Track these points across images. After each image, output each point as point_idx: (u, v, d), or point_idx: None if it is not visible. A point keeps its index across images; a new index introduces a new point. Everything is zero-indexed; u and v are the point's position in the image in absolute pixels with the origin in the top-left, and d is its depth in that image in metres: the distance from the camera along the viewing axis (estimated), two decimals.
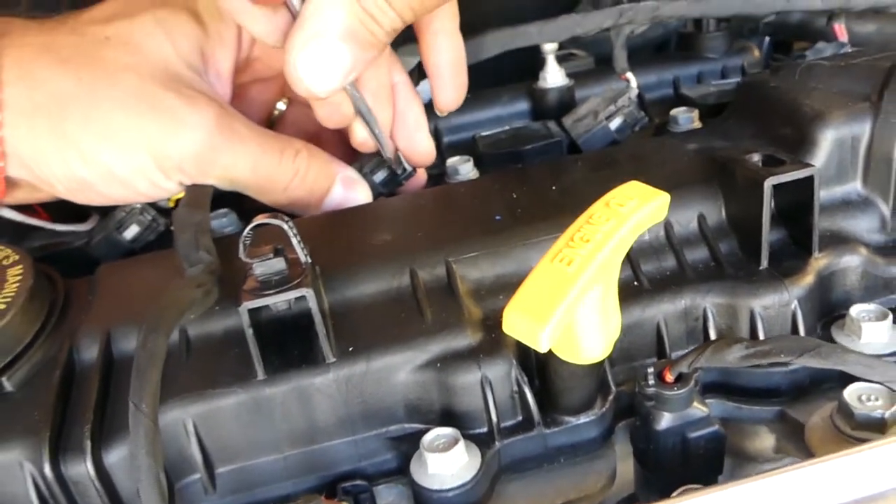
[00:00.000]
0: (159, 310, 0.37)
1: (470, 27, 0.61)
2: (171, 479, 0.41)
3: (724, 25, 0.72)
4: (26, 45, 0.49)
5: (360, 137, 0.55)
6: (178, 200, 0.54)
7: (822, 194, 0.46)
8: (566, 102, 0.67)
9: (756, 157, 0.46)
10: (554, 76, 0.67)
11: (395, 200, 0.56)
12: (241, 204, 0.58)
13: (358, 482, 0.42)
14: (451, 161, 0.61)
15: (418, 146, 0.57)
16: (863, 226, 0.48)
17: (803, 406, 0.43)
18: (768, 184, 0.43)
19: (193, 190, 0.50)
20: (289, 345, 0.42)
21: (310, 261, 0.41)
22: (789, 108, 0.51)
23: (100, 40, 0.50)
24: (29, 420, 0.40)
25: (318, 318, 0.40)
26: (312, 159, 0.54)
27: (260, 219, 0.40)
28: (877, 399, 0.39)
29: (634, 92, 0.64)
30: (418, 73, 0.63)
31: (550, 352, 0.36)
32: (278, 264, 0.40)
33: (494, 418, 0.41)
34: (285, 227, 0.40)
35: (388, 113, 0.55)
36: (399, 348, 0.42)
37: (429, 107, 0.60)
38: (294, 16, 0.45)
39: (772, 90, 0.53)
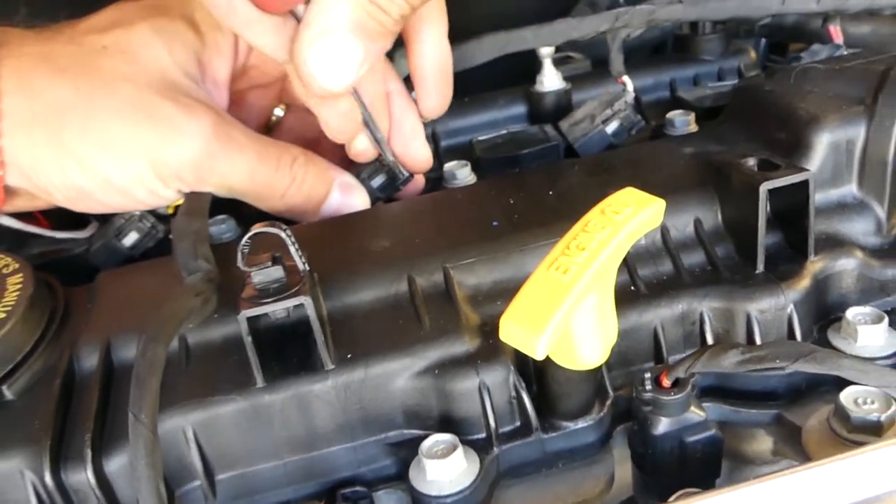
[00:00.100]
0: (158, 319, 0.37)
1: (466, 31, 0.61)
2: (171, 487, 0.41)
3: (720, 28, 0.72)
4: (24, 55, 0.49)
5: (360, 147, 0.55)
6: (176, 207, 0.54)
7: (818, 197, 0.47)
8: (563, 106, 0.68)
9: (751, 162, 0.46)
10: (551, 80, 0.68)
11: (392, 206, 0.56)
12: (239, 210, 0.58)
13: (357, 488, 0.42)
14: (449, 166, 0.61)
15: (415, 153, 0.57)
16: (858, 229, 0.48)
17: (800, 409, 0.43)
18: (764, 188, 0.43)
19: (191, 198, 0.50)
20: (287, 352, 0.42)
21: (308, 268, 0.41)
22: (784, 112, 0.51)
23: (97, 49, 0.50)
24: (29, 428, 0.40)
25: (316, 326, 0.40)
26: (310, 166, 0.54)
27: (258, 227, 0.40)
28: (873, 402, 0.39)
29: (631, 95, 0.64)
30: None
31: (548, 358, 0.36)
32: (276, 272, 0.40)
33: (493, 424, 0.41)
34: (283, 235, 0.40)
35: (385, 121, 0.55)
36: (397, 355, 0.42)
37: None
38: (299, 20, 0.45)
39: (767, 94, 0.54)
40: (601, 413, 0.42)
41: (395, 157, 0.57)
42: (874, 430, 0.38)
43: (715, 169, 0.48)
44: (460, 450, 0.39)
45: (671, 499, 0.36)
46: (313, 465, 0.42)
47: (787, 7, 0.61)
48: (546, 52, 0.67)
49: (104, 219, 0.59)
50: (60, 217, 0.58)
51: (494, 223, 0.49)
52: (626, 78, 0.65)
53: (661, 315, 0.45)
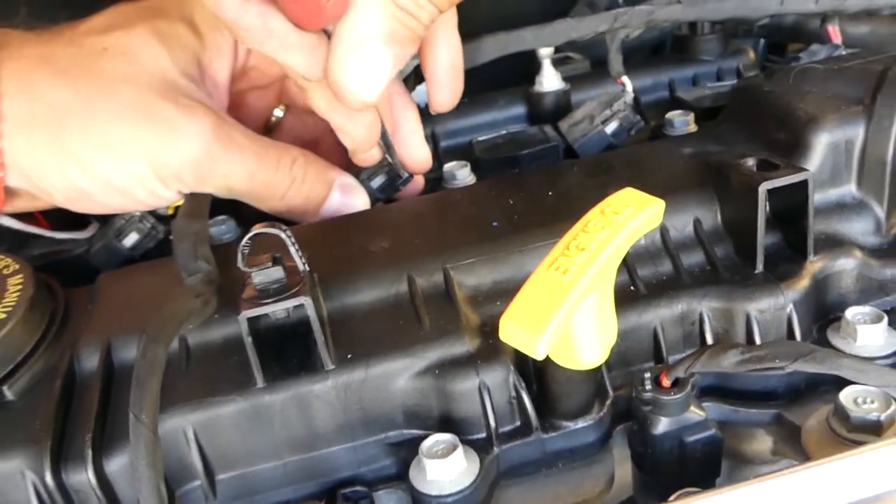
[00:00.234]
0: (159, 320, 0.37)
1: (465, 32, 0.61)
2: (171, 487, 0.41)
3: (719, 28, 0.72)
4: (24, 57, 0.49)
5: (370, 153, 0.55)
6: (176, 208, 0.54)
7: (817, 197, 0.47)
8: (562, 106, 0.68)
9: (751, 162, 0.46)
10: (550, 80, 0.68)
11: (392, 207, 0.56)
12: (239, 211, 0.58)
13: (357, 488, 0.42)
14: (449, 166, 0.61)
15: (415, 153, 0.57)
16: (857, 228, 0.49)
17: (800, 409, 0.43)
18: (763, 189, 0.43)
19: (192, 199, 0.51)
20: (288, 352, 0.42)
21: (308, 269, 0.41)
22: (783, 112, 0.51)
23: (97, 51, 0.50)
24: (30, 429, 0.40)
25: (316, 326, 0.40)
26: (309, 166, 0.54)
27: (258, 228, 0.40)
28: (872, 402, 0.39)
29: (630, 96, 0.64)
30: (414, 78, 0.63)
31: (548, 358, 0.37)
32: (276, 273, 0.41)
33: (493, 424, 0.41)
34: (283, 235, 0.41)
35: (388, 122, 0.55)
36: (397, 355, 0.42)
37: (424, 112, 0.61)
38: (329, 35, 0.44)
39: (766, 94, 0.54)
40: (601, 413, 0.42)
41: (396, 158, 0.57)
42: (874, 430, 0.38)
43: (714, 169, 0.49)
44: (460, 450, 0.39)
45: (671, 498, 0.36)
46: (313, 465, 0.42)
47: (786, 7, 0.61)
48: (545, 52, 0.67)
49: (104, 219, 0.59)
50: (60, 217, 0.58)
51: (494, 224, 0.49)
52: (625, 78, 0.65)
53: (660, 315, 0.45)
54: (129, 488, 0.40)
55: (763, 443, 0.45)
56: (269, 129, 0.64)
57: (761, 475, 0.34)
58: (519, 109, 0.70)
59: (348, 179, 0.57)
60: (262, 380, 0.41)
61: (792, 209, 0.46)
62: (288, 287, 0.40)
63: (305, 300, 0.39)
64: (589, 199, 0.37)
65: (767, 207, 0.45)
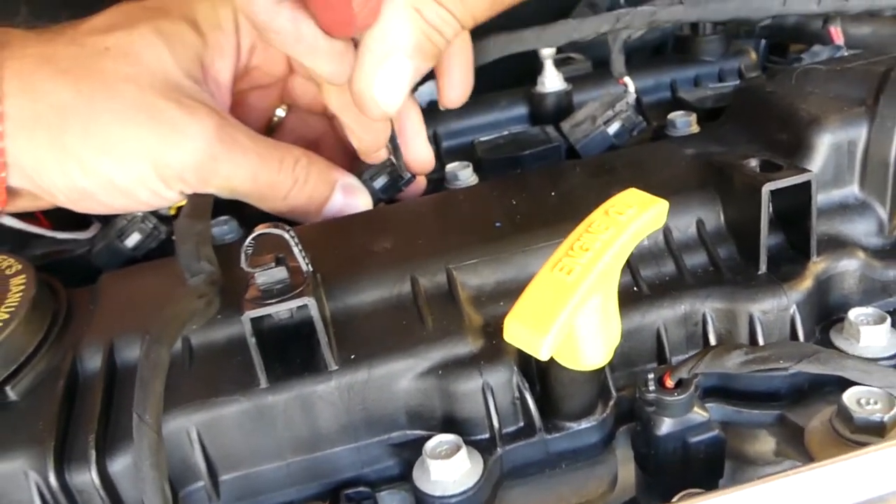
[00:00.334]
0: (162, 321, 0.37)
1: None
2: (175, 488, 0.41)
3: (721, 28, 0.72)
4: (26, 57, 0.49)
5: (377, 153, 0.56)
6: (179, 208, 0.54)
7: (820, 198, 0.46)
8: (564, 107, 0.68)
9: (753, 163, 0.46)
10: (552, 81, 0.68)
11: (395, 207, 0.56)
12: (241, 211, 0.58)
13: (361, 489, 0.42)
14: (451, 167, 0.61)
15: (417, 154, 0.57)
16: (860, 229, 0.48)
17: (803, 410, 0.43)
18: (766, 189, 0.43)
19: (194, 199, 0.50)
20: (291, 353, 0.42)
21: (311, 269, 0.41)
22: (786, 113, 0.51)
23: (99, 51, 0.50)
24: (33, 429, 0.40)
25: (319, 327, 0.40)
26: (312, 167, 0.54)
27: (261, 228, 0.41)
28: (876, 403, 0.39)
29: (632, 96, 0.64)
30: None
31: (551, 359, 0.36)
32: (280, 273, 0.41)
33: (496, 424, 0.42)
34: (286, 236, 0.41)
35: (394, 123, 0.56)
36: (400, 356, 0.42)
37: (427, 112, 0.61)
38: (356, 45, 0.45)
39: (768, 95, 0.54)
40: (604, 413, 0.42)
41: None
42: (877, 431, 0.38)
43: (717, 170, 0.49)
44: (464, 450, 0.39)
45: (674, 499, 0.36)
46: (317, 465, 0.42)
47: (788, 8, 0.61)
48: (547, 53, 0.67)
49: (106, 219, 0.59)
50: (62, 217, 0.58)
51: (497, 224, 0.49)
52: (627, 79, 0.65)
53: (663, 316, 0.45)
54: (133, 489, 0.40)
55: (766, 444, 0.45)
56: (270, 129, 0.64)
57: (764, 476, 0.34)
58: (521, 110, 0.70)
59: (351, 180, 0.57)
60: (265, 380, 0.41)
61: (795, 210, 0.46)
62: (291, 287, 0.40)
63: (309, 301, 0.39)
64: (591, 200, 0.37)
65: (770, 208, 0.45)
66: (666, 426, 0.40)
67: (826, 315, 0.47)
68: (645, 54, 0.80)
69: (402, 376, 0.42)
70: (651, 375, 0.40)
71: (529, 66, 0.68)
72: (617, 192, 0.37)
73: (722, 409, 0.45)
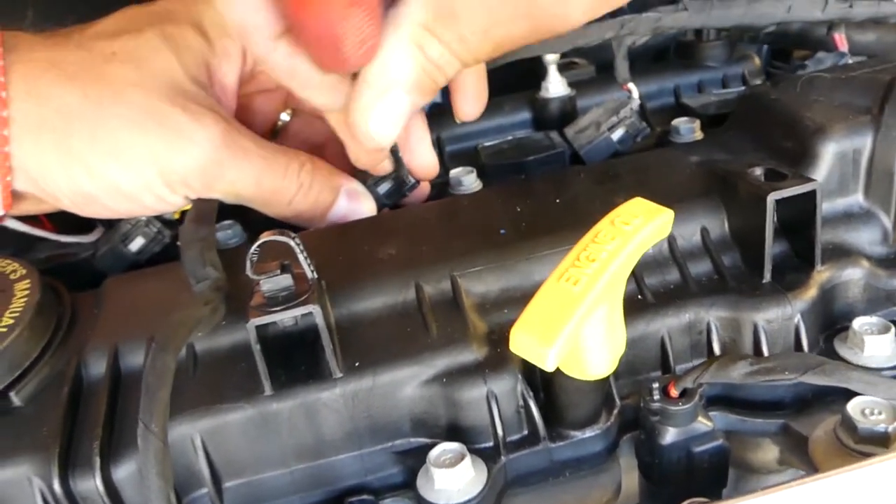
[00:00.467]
0: (167, 328, 0.37)
1: None
2: (179, 494, 0.41)
3: (724, 34, 0.72)
4: (33, 61, 0.49)
5: (384, 165, 0.56)
6: (183, 212, 0.54)
7: (824, 207, 0.47)
8: (568, 112, 0.68)
9: (758, 171, 0.46)
10: (556, 86, 0.68)
11: (399, 213, 0.56)
12: (245, 216, 0.58)
13: (364, 496, 0.42)
14: (455, 172, 0.61)
15: (422, 160, 0.57)
16: (865, 238, 0.49)
17: (807, 419, 0.43)
18: (771, 198, 0.43)
19: (199, 204, 0.51)
20: (295, 360, 0.42)
21: (316, 276, 0.41)
22: (790, 121, 0.51)
23: (106, 55, 0.50)
24: (37, 435, 0.40)
25: (324, 334, 0.40)
26: (317, 172, 0.55)
27: (266, 236, 0.41)
28: (880, 413, 0.39)
29: (636, 103, 0.64)
30: None
31: (556, 368, 0.36)
32: (285, 280, 0.41)
33: (500, 433, 0.42)
34: (292, 243, 0.41)
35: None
36: (405, 363, 0.42)
37: (430, 117, 0.61)
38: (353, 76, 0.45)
39: (773, 102, 0.54)
40: (608, 422, 0.42)
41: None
42: (881, 441, 0.38)
43: (721, 178, 0.49)
44: (468, 459, 0.39)
45: None
46: (321, 473, 0.42)
47: (793, 15, 0.61)
48: (551, 58, 0.67)
49: (110, 223, 0.59)
50: (66, 220, 0.58)
51: (501, 231, 0.49)
52: (631, 85, 0.65)
53: (668, 324, 0.45)
54: (137, 495, 0.40)
55: (770, 452, 0.45)
56: (275, 133, 0.64)
57: (768, 486, 0.34)
58: (524, 115, 0.70)
59: (355, 185, 0.57)
60: (269, 387, 0.41)
61: (799, 219, 0.46)
62: (296, 295, 0.40)
63: (314, 308, 0.39)
64: (596, 207, 0.37)
65: (775, 217, 0.45)
66: (670, 435, 0.40)
67: (830, 324, 0.47)
68: (648, 59, 0.80)
69: (407, 384, 0.42)
70: (655, 385, 0.40)
71: (533, 70, 0.68)
72: (621, 199, 0.37)
73: (726, 417, 0.45)
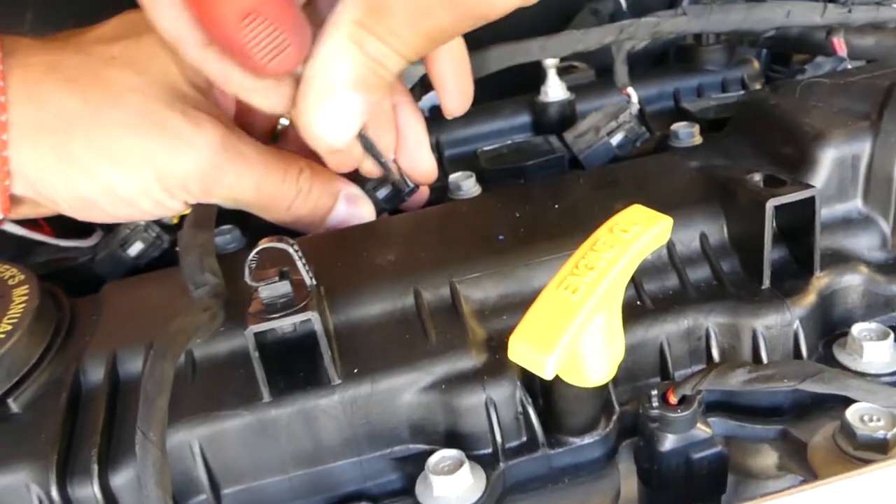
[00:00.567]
0: (166, 335, 0.37)
1: (471, 41, 0.61)
2: (177, 501, 0.41)
3: (724, 38, 0.72)
4: (32, 65, 0.49)
5: (367, 168, 0.56)
6: (182, 217, 0.54)
7: (823, 212, 0.47)
8: (567, 116, 0.68)
9: (757, 178, 0.46)
10: (555, 90, 0.68)
11: (398, 219, 0.56)
12: (244, 220, 0.58)
13: (363, 503, 0.42)
14: (454, 177, 0.61)
15: (420, 165, 0.57)
16: (863, 244, 0.48)
17: (806, 425, 0.43)
18: (770, 205, 0.43)
19: (198, 209, 0.50)
20: (294, 367, 0.42)
21: (314, 283, 0.41)
22: (789, 127, 0.51)
23: (105, 60, 0.50)
24: (36, 442, 0.40)
25: (323, 341, 0.40)
26: (316, 177, 0.54)
27: (265, 243, 0.41)
28: (879, 420, 0.39)
29: (635, 107, 0.64)
30: (421, 88, 0.63)
31: (556, 375, 0.36)
32: (283, 287, 0.40)
33: (499, 439, 0.41)
34: (290, 250, 0.41)
35: (390, 136, 0.55)
36: (404, 370, 0.42)
37: (429, 120, 0.61)
38: (297, 79, 0.45)
39: (772, 108, 0.54)
40: (607, 428, 0.42)
41: (401, 169, 0.57)
42: (880, 448, 0.38)
43: (720, 184, 0.49)
44: (467, 466, 0.39)
45: None
46: (319, 479, 0.42)
47: (792, 20, 0.61)
48: (551, 62, 0.67)
49: (109, 227, 0.59)
50: (64, 224, 0.58)
51: (500, 237, 0.49)
52: (630, 90, 0.65)
53: (666, 330, 0.45)
54: (136, 503, 0.40)
55: (769, 458, 0.45)
56: (275, 137, 0.63)
57: (767, 493, 0.34)
58: (524, 118, 0.70)
59: (354, 190, 0.57)
60: (268, 394, 0.41)
61: (798, 225, 0.46)
62: (295, 301, 0.40)
63: (313, 315, 0.39)
64: (595, 213, 0.37)
65: (774, 223, 0.45)
66: (669, 442, 0.40)
67: (829, 330, 0.47)
68: (647, 63, 0.80)
69: (406, 390, 0.42)
70: (654, 391, 0.40)
71: (532, 73, 0.68)
72: (621, 205, 0.37)
73: (725, 423, 0.45)
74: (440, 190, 0.62)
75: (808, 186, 0.44)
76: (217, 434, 0.41)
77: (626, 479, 0.44)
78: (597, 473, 0.42)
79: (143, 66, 0.50)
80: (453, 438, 0.42)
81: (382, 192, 0.58)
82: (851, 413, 0.39)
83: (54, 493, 0.39)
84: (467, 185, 0.60)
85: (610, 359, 0.37)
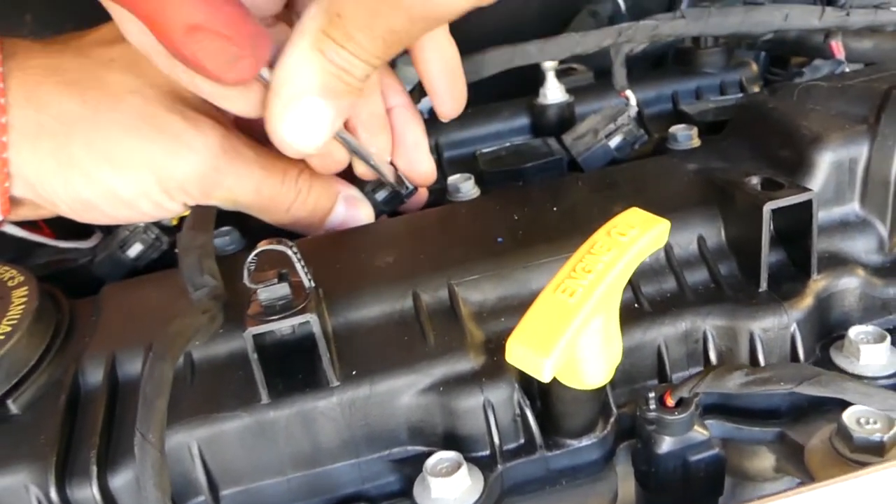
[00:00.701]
0: (165, 337, 0.37)
1: (469, 42, 0.62)
2: (176, 502, 0.41)
3: (722, 41, 0.73)
4: (32, 67, 0.49)
5: (361, 170, 0.56)
6: (181, 219, 0.54)
7: (821, 216, 0.47)
8: (566, 118, 0.68)
9: (755, 181, 0.47)
10: (554, 92, 0.68)
11: (397, 221, 0.56)
12: (243, 222, 0.58)
13: None
14: (453, 179, 0.61)
15: (419, 167, 0.57)
16: (861, 247, 0.49)
17: (803, 427, 0.43)
18: (767, 208, 0.43)
19: (197, 211, 0.51)
20: (292, 368, 0.42)
21: (313, 285, 0.42)
22: (787, 130, 0.51)
23: (105, 62, 0.50)
24: (35, 443, 0.40)
25: (321, 343, 0.40)
26: (315, 179, 0.55)
27: (263, 245, 0.41)
28: (875, 422, 0.39)
29: (634, 110, 0.64)
30: (419, 90, 0.63)
31: (553, 378, 0.37)
32: (282, 289, 0.41)
33: (497, 441, 0.42)
34: (289, 252, 0.41)
35: (385, 138, 0.55)
36: (402, 372, 0.42)
37: (428, 123, 0.61)
38: (266, 84, 0.45)
39: (770, 111, 0.54)
40: (605, 431, 0.42)
41: (399, 171, 0.57)
42: (877, 451, 0.38)
43: (718, 187, 0.49)
44: (464, 467, 0.39)
45: None
46: (317, 481, 0.42)
47: (790, 23, 0.62)
48: (549, 64, 0.67)
49: (108, 229, 0.59)
50: (64, 226, 0.58)
51: (499, 239, 0.49)
52: (629, 92, 0.65)
53: (664, 333, 0.45)
54: None
55: (766, 460, 0.45)
56: None
57: (764, 495, 0.35)
58: (523, 121, 0.70)
59: (353, 192, 0.57)
60: (266, 396, 0.41)
61: (795, 228, 0.46)
62: (294, 303, 0.40)
63: (311, 317, 0.39)
64: (593, 216, 0.37)
65: (771, 226, 0.45)
66: (666, 444, 0.40)
67: (826, 333, 0.47)
68: (645, 65, 0.80)
69: (404, 392, 0.42)
70: (652, 394, 0.40)
71: (531, 76, 0.69)
72: (619, 207, 0.37)
73: (722, 425, 0.45)
74: (439, 192, 0.62)
75: (806, 190, 0.45)
76: (216, 436, 0.41)
77: (624, 481, 0.44)
78: (594, 475, 0.43)
79: (143, 68, 0.50)
80: (451, 440, 0.42)
81: (381, 194, 0.58)
82: (848, 416, 0.39)
83: (53, 494, 0.39)
84: (466, 187, 0.60)
85: (607, 361, 0.38)
